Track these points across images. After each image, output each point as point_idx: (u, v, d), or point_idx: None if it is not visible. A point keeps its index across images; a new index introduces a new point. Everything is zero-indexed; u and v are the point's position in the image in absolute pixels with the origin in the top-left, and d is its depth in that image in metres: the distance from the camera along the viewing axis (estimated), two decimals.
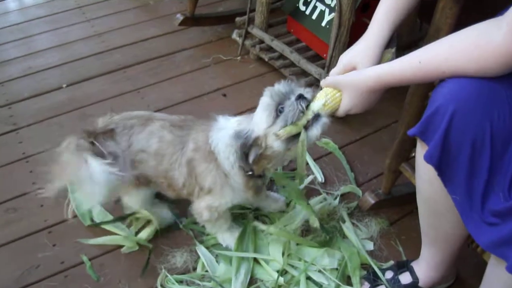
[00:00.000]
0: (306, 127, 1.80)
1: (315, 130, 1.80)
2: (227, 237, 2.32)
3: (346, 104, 1.71)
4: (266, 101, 1.84)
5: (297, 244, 2.32)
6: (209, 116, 2.09)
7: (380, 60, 1.72)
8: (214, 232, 2.33)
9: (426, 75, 1.47)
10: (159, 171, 2.14)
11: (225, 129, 1.98)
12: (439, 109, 1.40)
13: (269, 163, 1.98)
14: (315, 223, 2.16)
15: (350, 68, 1.73)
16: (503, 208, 1.36)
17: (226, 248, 2.33)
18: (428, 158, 1.48)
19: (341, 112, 1.76)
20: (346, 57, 1.77)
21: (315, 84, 2.89)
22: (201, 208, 2.14)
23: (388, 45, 1.76)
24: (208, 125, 2.06)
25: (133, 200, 2.36)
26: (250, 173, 1.99)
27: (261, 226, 2.27)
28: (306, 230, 2.39)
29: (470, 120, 1.35)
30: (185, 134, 2.10)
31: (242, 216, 2.45)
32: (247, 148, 1.89)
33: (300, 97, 1.79)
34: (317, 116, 1.79)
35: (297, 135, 1.82)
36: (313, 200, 2.51)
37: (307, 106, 1.79)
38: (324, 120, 1.80)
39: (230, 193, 2.08)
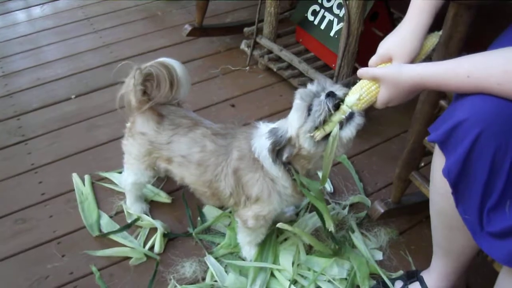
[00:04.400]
0: (341, 125, 1.76)
1: (348, 131, 1.76)
2: (253, 253, 2.32)
3: (385, 97, 1.66)
4: (297, 102, 1.82)
5: (307, 254, 2.31)
6: (250, 123, 2.10)
7: (422, 46, 1.66)
8: (246, 242, 2.32)
9: (470, 90, 1.40)
10: (202, 181, 2.17)
11: (265, 135, 1.97)
12: (464, 124, 1.36)
13: (309, 164, 1.96)
14: (330, 226, 2.15)
15: (386, 59, 1.69)
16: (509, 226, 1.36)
17: (236, 258, 2.33)
18: (446, 173, 1.46)
19: (379, 104, 1.71)
20: (384, 47, 1.71)
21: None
22: (248, 216, 2.15)
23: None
24: (249, 133, 2.06)
25: (136, 179, 2.41)
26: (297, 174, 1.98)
27: (284, 226, 2.22)
28: (316, 239, 2.38)
29: (494, 142, 1.32)
30: (228, 144, 2.10)
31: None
32: (281, 146, 1.88)
33: (329, 95, 1.76)
34: (351, 115, 1.75)
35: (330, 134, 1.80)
36: None
37: (342, 101, 1.76)
38: (358, 120, 1.76)
39: (277, 199, 2.07)
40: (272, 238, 2.37)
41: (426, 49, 1.67)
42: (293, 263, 2.26)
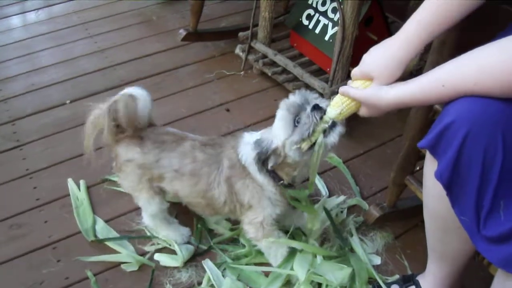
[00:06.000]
0: (324, 133, 1.84)
1: (332, 138, 1.85)
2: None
3: (366, 114, 1.70)
4: (283, 114, 1.88)
5: (315, 257, 2.30)
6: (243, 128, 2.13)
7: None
8: (274, 263, 2.30)
9: (450, 97, 1.41)
10: (196, 191, 2.17)
11: (250, 143, 2.03)
12: (452, 125, 1.36)
13: (294, 171, 2.01)
14: (315, 225, 2.16)
15: (367, 77, 1.69)
16: (506, 230, 1.36)
17: (240, 263, 2.34)
18: (438, 176, 1.46)
19: (361, 116, 1.75)
20: (367, 63, 1.69)
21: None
22: (246, 223, 2.18)
23: None
24: (236, 142, 2.10)
25: (149, 211, 2.35)
26: (281, 182, 2.03)
27: (280, 240, 2.25)
28: (324, 240, 2.40)
29: (483, 141, 1.32)
30: (218, 152, 2.13)
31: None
32: (266, 156, 1.93)
33: (315, 108, 1.84)
34: (334, 124, 1.83)
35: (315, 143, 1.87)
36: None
37: (324, 112, 1.83)
38: (340, 128, 1.85)
39: (269, 204, 2.10)
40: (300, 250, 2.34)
41: (407, 70, 1.68)
42: (308, 270, 2.23)
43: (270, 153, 1.92)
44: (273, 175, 2.02)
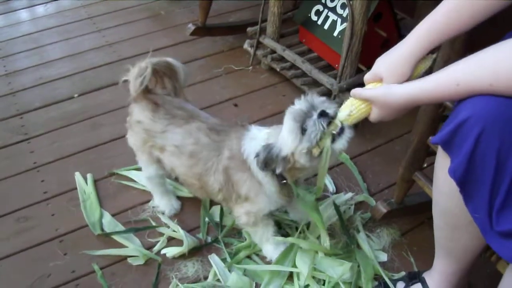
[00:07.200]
0: (333, 138, 1.82)
1: (340, 144, 1.83)
2: (271, 250, 2.32)
3: (376, 116, 1.69)
4: (289, 123, 1.85)
5: (317, 253, 2.29)
6: (242, 123, 2.14)
7: (414, 69, 1.65)
8: (258, 241, 2.33)
9: (463, 96, 1.39)
10: (192, 173, 2.19)
11: (256, 140, 2.01)
12: (468, 121, 1.35)
13: (300, 173, 2.01)
14: (325, 241, 2.17)
15: (378, 78, 1.70)
16: None
17: (252, 262, 2.35)
18: (452, 173, 1.45)
19: (372, 121, 1.74)
20: (377, 65, 1.71)
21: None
22: (240, 213, 2.18)
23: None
24: (241, 133, 2.08)
25: (146, 173, 2.45)
26: (284, 181, 2.02)
27: (279, 238, 2.27)
28: (329, 235, 2.37)
29: (498, 138, 1.30)
30: (221, 140, 2.13)
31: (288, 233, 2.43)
32: (274, 162, 1.90)
33: (322, 114, 1.80)
34: (342, 130, 1.81)
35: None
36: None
37: (334, 116, 1.80)
38: (348, 133, 1.82)
39: (265, 200, 2.11)
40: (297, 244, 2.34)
41: (418, 71, 1.66)
42: (309, 266, 2.23)
43: (279, 160, 1.90)
44: (276, 174, 2.00)
